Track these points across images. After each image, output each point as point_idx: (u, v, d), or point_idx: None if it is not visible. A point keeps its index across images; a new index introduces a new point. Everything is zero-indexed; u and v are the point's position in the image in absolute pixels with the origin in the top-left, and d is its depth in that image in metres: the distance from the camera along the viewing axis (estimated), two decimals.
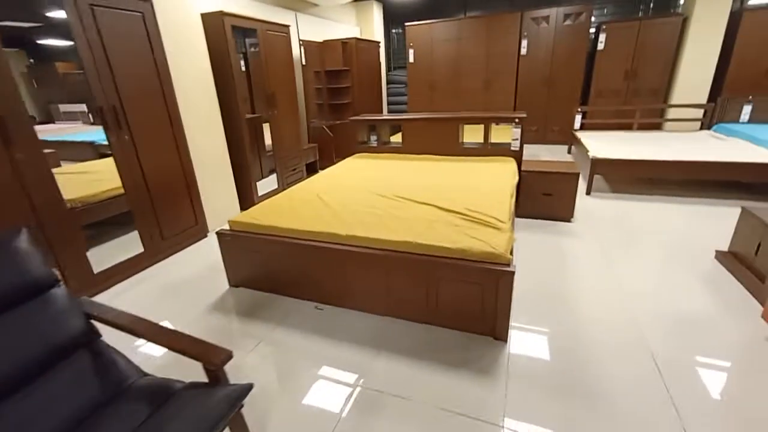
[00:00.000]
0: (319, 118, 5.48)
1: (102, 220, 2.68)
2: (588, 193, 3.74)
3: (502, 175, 2.88)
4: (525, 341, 1.78)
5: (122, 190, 2.48)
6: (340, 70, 5.36)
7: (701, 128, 5.08)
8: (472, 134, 3.81)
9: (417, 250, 1.82)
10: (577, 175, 2.93)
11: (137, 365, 1.29)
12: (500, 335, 1.77)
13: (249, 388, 1.11)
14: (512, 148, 3.39)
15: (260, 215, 2.24)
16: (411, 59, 6.66)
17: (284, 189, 3.56)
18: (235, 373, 1.65)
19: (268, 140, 4.10)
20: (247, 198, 3.70)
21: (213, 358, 1.10)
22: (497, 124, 4.01)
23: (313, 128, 5.32)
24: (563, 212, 3.06)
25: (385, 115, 4.03)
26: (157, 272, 2.61)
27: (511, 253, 1.79)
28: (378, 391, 1.54)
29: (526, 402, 1.46)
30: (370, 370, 1.65)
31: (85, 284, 2.27)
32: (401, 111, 7.44)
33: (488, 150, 3.47)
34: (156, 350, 1.83)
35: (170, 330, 1.22)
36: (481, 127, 3.48)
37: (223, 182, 3.39)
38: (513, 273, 1.62)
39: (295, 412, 1.47)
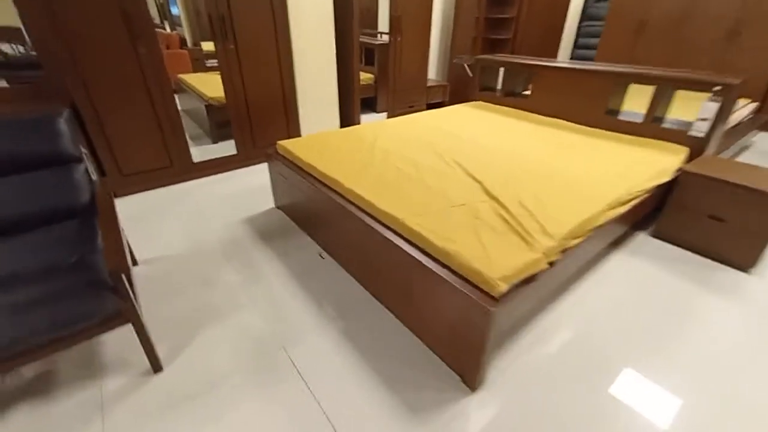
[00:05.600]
0: (471, 54, 4.78)
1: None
2: None
3: (632, 170, 1.90)
4: (496, 412, 1.24)
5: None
6: None
7: None
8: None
9: (402, 231, 1.41)
10: None
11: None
12: (469, 381, 1.29)
13: (117, 319, 1.13)
14: (692, 133, 2.17)
15: (300, 145, 2.16)
16: None
17: None
18: (203, 288, 1.76)
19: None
20: (348, 124, 3.68)
21: (110, 261, 1.13)
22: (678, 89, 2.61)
23: (455, 65, 4.71)
24: (739, 254, 1.86)
25: (515, 57, 3.15)
26: (239, 174, 2.96)
27: (530, 281, 1.20)
28: (293, 364, 1.38)
29: None
30: (307, 339, 1.48)
31: (184, 169, 2.77)
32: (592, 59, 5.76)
33: (648, 129, 2.32)
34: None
35: (116, 228, 1.30)
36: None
37: (325, 102, 3.42)
38: (490, 312, 1.07)
39: (208, 347, 1.47)
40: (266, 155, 2.30)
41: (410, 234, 1.38)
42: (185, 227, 2.24)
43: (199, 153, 2.94)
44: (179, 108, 2.68)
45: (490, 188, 1.66)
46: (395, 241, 1.39)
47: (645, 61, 4.71)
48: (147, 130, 2.49)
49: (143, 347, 1.27)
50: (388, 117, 3.95)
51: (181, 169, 2.75)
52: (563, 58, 6.05)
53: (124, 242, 1.63)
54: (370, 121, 3.85)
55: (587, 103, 2.57)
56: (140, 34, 2.25)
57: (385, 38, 4.30)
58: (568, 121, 2.65)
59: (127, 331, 1.23)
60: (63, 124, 1.48)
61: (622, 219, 1.70)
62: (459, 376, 1.32)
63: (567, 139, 2.36)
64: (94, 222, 1.49)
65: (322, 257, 1.97)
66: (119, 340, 1.44)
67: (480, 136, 2.40)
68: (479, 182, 1.73)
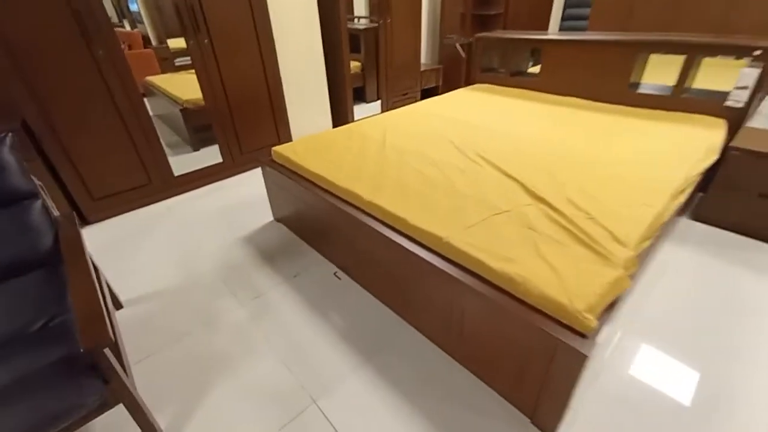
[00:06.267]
0: (460, 33, 4.49)
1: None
2: None
3: (681, 150, 1.70)
4: None
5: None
6: None
7: None
8: (667, 72, 2.40)
9: (445, 252, 1.18)
10: None
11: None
12: (543, 425, 1.08)
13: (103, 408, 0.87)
14: (728, 103, 1.98)
15: (299, 150, 1.89)
16: None
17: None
18: (206, 330, 1.49)
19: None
20: (341, 119, 3.40)
21: (84, 337, 0.86)
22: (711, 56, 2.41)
23: (446, 46, 4.42)
24: None
25: (519, 32, 2.90)
26: (228, 185, 2.65)
27: (613, 305, 0.98)
28: (328, 421, 1.15)
29: None
30: (340, 386, 1.25)
31: (165, 185, 2.45)
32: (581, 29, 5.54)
33: (678, 102, 2.13)
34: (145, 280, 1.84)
35: (90, 286, 1.02)
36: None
37: (315, 99, 3.11)
38: (584, 357, 0.85)
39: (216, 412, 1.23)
40: (259, 162, 2.01)
41: (456, 255, 1.14)
42: (175, 253, 1.95)
43: (180, 164, 2.62)
44: (151, 114, 2.36)
45: (532, 187, 1.43)
46: (437, 264, 1.15)
47: (643, 26, 4.51)
48: (117, 144, 2.16)
49: (140, 428, 1.02)
50: (384, 107, 3.67)
51: (161, 185, 2.43)
52: (553, 31, 5.82)
53: (103, 285, 1.35)
54: (362, 112, 3.57)
55: (607, 78, 2.35)
56: (96, 35, 1.90)
57: (364, 22, 3.99)
58: (585, 99, 2.43)
59: (118, 407, 0.97)
60: (6, 153, 1.17)
61: (681, 210, 1.50)
62: (528, 417, 1.12)
63: (590, 119, 2.15)
64: (61, 270, 1.20)
65: (338, 277, 1.73)
66: (110, 416, 1.17)
67: (496, 123, 2.16)
68: (516, 180, 1.49)
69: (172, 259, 1.90)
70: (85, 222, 2.20)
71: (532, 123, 2.14)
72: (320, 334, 1.44)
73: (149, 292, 1.69)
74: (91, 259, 1.33)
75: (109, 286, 1.48)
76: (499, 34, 2.92)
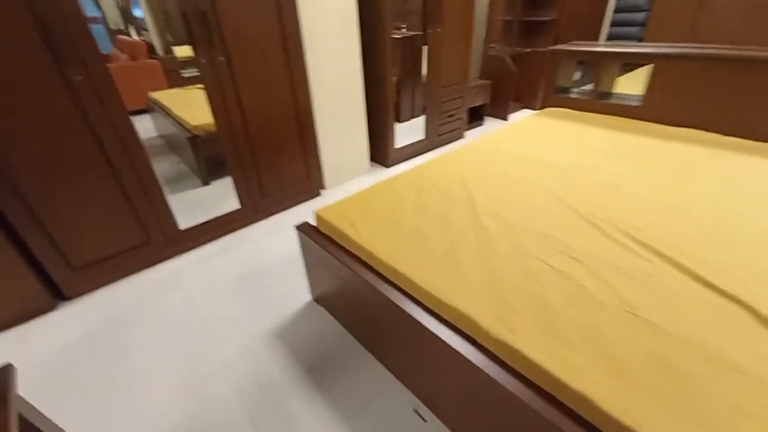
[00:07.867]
0: (503, 42, 3.93)
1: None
2: None
3: None
4: None
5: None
6: None
7: None
8: None
9: None
10: None
11: None
12: None
13: None
14: None
15: (356, 218, 1.32)
16: None
17: (431, 146, 2.63)
18: None
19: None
20: (380, 149, 2.84)
21: None
22: None
23: (491, 57, 3.86)
24: None
25: (621, 44, 2.34)
26: (248, 238, 2.09)
27: None
28: None
29: None
30: None
31: (168, 242, 1.89)
32: (632, 38, 4.96)
33: None
34: None
35: None
36: None
37: (351, 126, 2.56)
38: None
39: None
40: (296, 229, 1.45)
41: None
42: (177, 358, 1.39)
43: (187, 204, 2.10)
44: (155, 134, 1.83)
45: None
46: None
47: (710, 39, 3.92)
48: (102, 195, 1.61)
49: None
50: (427, 133, 3.08)
51: (162, 242, 1.88)
52: (603, 39, 5.25)
53: None
54: (397, 133, 3.00)
55: (747, 105, 1.77)
56: (70, 54, 1.36)
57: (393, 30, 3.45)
58: (718, 132, 1.85)
59: None
60: None
61: None
62: None
63: (742, 165, 1.56)
64: None
65: (422, 418, 1.16)
66: None
67: (616, 172, 1.56)
68: (730, 297, 0.92)
69: (171, 370, 1.34)
70: (61, 298, 1.66)
71: (671, 173, 1.55)
72: None
73: None
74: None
75: None
76: (585, 45, 2.35)
